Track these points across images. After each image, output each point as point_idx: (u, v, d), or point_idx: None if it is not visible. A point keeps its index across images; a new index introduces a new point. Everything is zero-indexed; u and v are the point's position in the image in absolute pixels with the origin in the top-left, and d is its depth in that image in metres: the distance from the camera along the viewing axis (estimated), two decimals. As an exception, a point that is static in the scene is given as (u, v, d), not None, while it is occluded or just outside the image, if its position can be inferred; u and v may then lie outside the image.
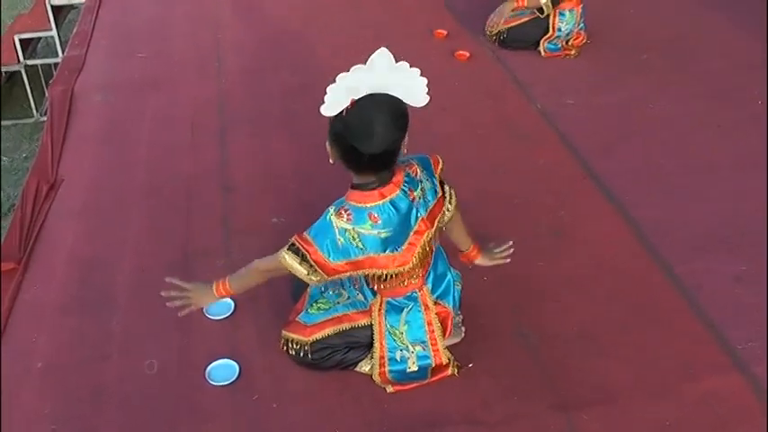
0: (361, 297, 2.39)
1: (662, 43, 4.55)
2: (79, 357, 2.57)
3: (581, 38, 4.45)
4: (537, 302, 2.71)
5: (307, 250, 2.14)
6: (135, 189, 3.39)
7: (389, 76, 2.02)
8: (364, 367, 2.41)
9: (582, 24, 4.42)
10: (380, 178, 2.12)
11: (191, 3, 5.36)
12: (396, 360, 2.36)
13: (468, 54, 4.35)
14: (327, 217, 2.13)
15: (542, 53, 4.38)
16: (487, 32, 4.51)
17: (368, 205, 2.12)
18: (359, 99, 2.00)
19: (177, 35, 4.88)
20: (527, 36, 4.39)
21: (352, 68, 1.98)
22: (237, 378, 2.44)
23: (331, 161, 2.14)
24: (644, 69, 4.26)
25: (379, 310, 2.34)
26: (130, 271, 2.92)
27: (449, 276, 2.40)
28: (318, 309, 2.40)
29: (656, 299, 2.72)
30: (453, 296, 2.41)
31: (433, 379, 2.39)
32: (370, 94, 2.01)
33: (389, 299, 2.32)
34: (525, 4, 4.33)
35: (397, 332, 2.35)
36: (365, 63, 2.04)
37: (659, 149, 3.55)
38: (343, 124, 2.02)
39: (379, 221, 2.12)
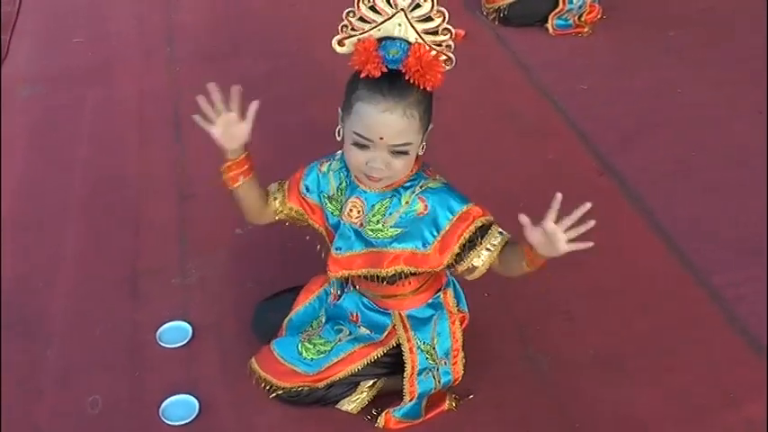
0: (364, 330, 2.39)
1: (692, 17, 4.62)
2: (5, 392, 2.55)
3: (595, 12, 4.50)
4: (548, 321, 2.73)
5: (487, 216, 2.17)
6: (73, 197, 3.39)
7: None
8: (347, 405, 2.42)
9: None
10: None
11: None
12: (423, 380, 2.36)
13: (463, 33, 4.35)
14: (436, 186, 2.16)
15: (551, 31, 4.44)
16: (485, 8, 4.56)
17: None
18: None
19: (120, 15, 4.89)
20: (532, 11, 4.45)
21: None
22: (197, 416, 2.45)
23: (423, 151, 2.13)
24: (671, 48, 4.32)
25: (404, 326, 2.35)
26: (69, 292, 2.92)
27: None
28: (318, 352, 2.36)
29: (690, 314, 2.75)
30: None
31: (428, 416, 2.40)
32: None
33: (412, 311, 2.34)
34: None
35: (429, 348, 2.36)
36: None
37: (689, 141, 3.59)
38: None
39: None
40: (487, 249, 2.12)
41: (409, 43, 1.96)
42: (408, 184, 2.13)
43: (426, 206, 2.10)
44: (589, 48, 4.35)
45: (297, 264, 2.90)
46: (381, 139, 1.98)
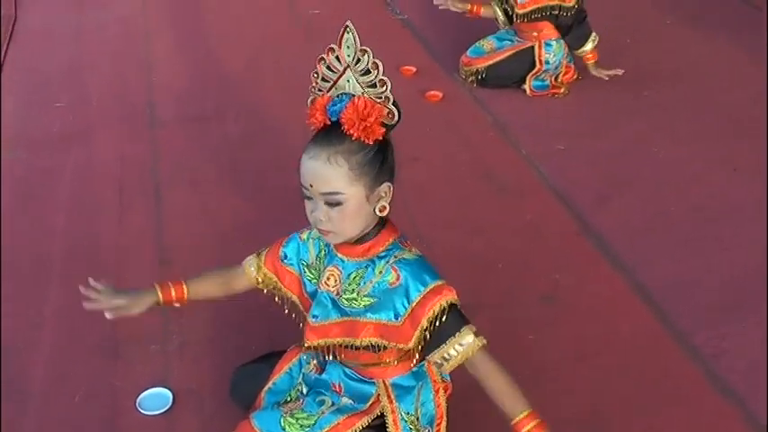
0: (347, 400, 2.35)
1: (665, 76, 4.68)
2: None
3: (571, 73, 4.56)
4: (529, 384, 2.69)
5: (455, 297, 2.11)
6: (53, 262, 3.37)
7: None
8: None
9: (570, 57, 4.53)
10: None
11: (116, 41, 5.41)
12: None
13: (441, 95, 4.43)
14: (410, 259, 2.11)
15: (528, 92, 4.48)
16: (463, 70, 4.61)
17: (401, 232, 2.18)
18: None
19: (102, 79, 4.91)
20: (509, 73, 4.50)
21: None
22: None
23: (386, 210, 2.06)
24: (646, 107, 4.38)
25: (389, 396, 2.30)
26: (48, 357, 2.89)
27: None
28: (302, 426, 2.31)
29: (672, 372, 2.74)
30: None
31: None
32: None
33: (396, 379, 2.31)
34: (481, 13, 4.56)
35: (413, 419, 2.32)
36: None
37: (666, 198, 3.62)
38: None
39: None
40: (460, 345, 2.09)
41: (351, 95, 1.99)
42: (384, 253, 2.11)
43: (399, 276, 2.07)
44: (566, 108, 4.40)
45: (278, 328, 2.88)
46: (311, 186, 1.99)
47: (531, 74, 4.46)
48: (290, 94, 4.52)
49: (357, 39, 2.01)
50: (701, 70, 4.74)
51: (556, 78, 4.50)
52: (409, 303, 2.07)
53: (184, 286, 2.34)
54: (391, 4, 5.88)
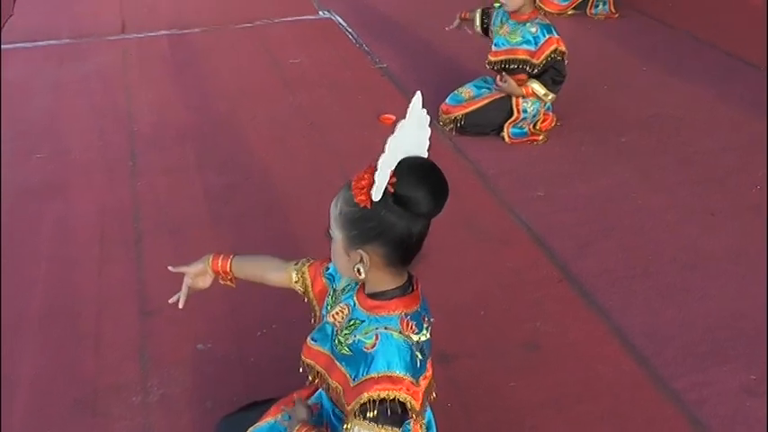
0: None
1: (642, 123, 4.75)
2: None
3: (549, 120, 4.61)
4: None
5: (407, 395, 2.03)
6: (31, 314, 3.36)
7: (421, 130, 2.01)
8: None
9: (548, 105, 4.57)
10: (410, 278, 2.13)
11: (97, 93, 5.43)
12: None
13: (393, 118, 4.46)
14: (394, 338, 2.05)
15: (506, 139, 4.53)
16: (442, 118, 4.66)
17: (417, 309, 2.11)
18: (398, 168, 1.93)
19: (82, 130, 4.92)
20: (488, 121, 4.55)
21: (398, 126, 1.92)
22: None
23: (362, 275, 2.03)
24: (623, 154, 4.42)
25: None
26: (26, 413, 2.87)
27: None
28: None
29: (654, 419, 2.75)
30: None
31: None
32: (405, 158, 1.95)
33: None
34: (467, 16, 4.75)
35: None
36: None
37: (645, 245, 3.65)
38: (389, 206, 1.93)
39: (426, 321, 2.14)
40: None
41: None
42: (381, 318, 2.06)
43: (375, 346, 2.03)
44: (544, 155, 4.44)
45: (259, 379, 2.89)
46: None
47: (508, 122, 4.50)
48: (270, 143, 4.60)
49: (415, 108, 1.97)
50: (676, 117, 4.81)
51: (534, 126, 4.54)
52: (365, 374, 2.03)
53: (230, 260, 2.50)
54: (371, 53, 5.94)
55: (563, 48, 4.37)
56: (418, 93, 1.97)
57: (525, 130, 4.54)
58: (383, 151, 1.87)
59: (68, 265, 3.66)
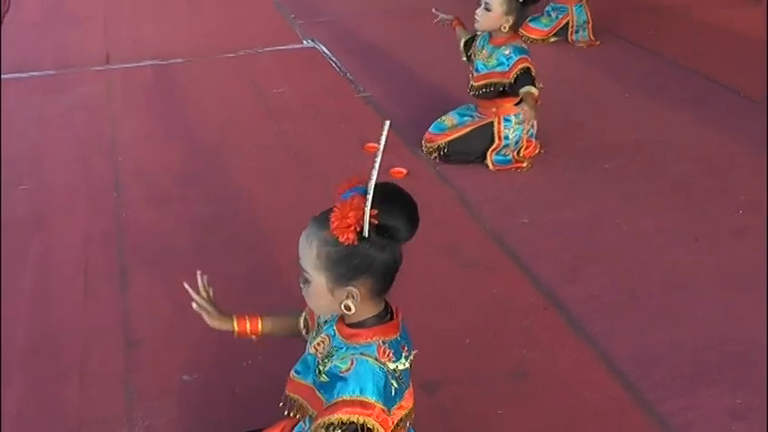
0: None
1: (626, 149, 4.78)
2: None
3: (533, 147, 4.62)
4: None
5: (376, 422, 2.01)
6: (15, 348, 3.33)
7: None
8: None
9: (531, 131, 4.58)
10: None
11: (81, 124, 5.43)
12: None
13: (405, 171, 4.47)
14: (369, 364, 2.04)
15: (490, 167, 4.54)
16: (426, 146, 4.68)
17: (396, 337, 2.10)
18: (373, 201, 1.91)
19: (67, 162, 4.92)
20: (471, 148, 4.56)
21: (377, 158, 1.90)
22: None
23: (352, 310, 2.02)
24: (607, 180, 4.45)
25: None
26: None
27: None
28: None
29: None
30: None
31: None
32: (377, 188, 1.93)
33: None
34: (456, 29, 4.83)
35: None
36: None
37: (630, 269, 3.67)
38: (373, 238, 1.92)
39: (406, 350, 2.13)
40: None
41: (365, 192, 1.90)
42: (358, 346, 2.06)
43: (349, 370, 2.02)
44: (529, 182, 4.46)
45: (245, 410, 2.88)
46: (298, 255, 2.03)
47: (491, 149, 4.52)
48: (255, 174, 4.60)
49: (383, 138, 1.94)
50: (658, 142, 4.85)
51: (518, 153, 4.56)
52: (337, 397, 2.03)
53: (259, 320, 2.43)
54: (354, 81, 5.97)
55: (532, 67, 4.39)
56: (387, 122, 1.97)
57: (509, 157, 4.55)
58: (368, 188, 1.87)
59: (52, 297, 3.65)
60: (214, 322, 2.42)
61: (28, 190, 4.59)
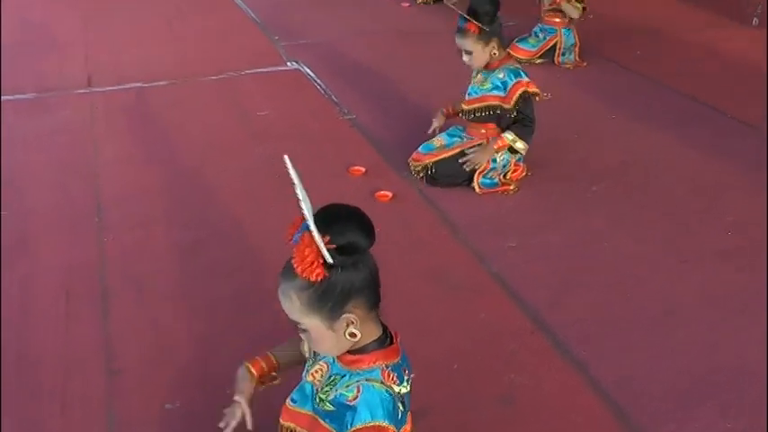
0: None
1: (612, 171, 4.81)
2: None
3: (520, 170, 4.65)
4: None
5: None
6: (-5, 377, 3.32)
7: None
8: None
9: (520, 156, 4.61)
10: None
11: (64, 147, 5.41)
12: None
13: (390, 194, 4.49)
14: (376, 389, 2.08)
15: (477, 190, 4.55)
16: (413, 166, 4.69)
17: (398, 360, 2.15)
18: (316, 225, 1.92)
19: (49, 186, 4.90)
20: (458, 170, 4.57)
21: (299, 190, 1.92)
22: None
23: (358, 335, 2.06)
24: (595, 202, 4.48)
25: None
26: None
27: None
28: None
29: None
30: None
31: None
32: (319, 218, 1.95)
33: None
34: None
35: None
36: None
37: (618, 293, 3.69)
38: (339, 261, 1.95)
39: (407, 373, 2.17)
40: None
41: (308, 227, 1.93)
42: (361, 371, 2.10)
43: (357, 398, 2.06)
44: (516, 205, 4.48)
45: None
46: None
47: (478, 172, 4.53)
48: (239, 197, 4.60)
49: (293, 172, 1.94)
50: (645, 164, 4.90)
51: (504, 176, 4.59)
52: (350, 427, 2.06)
53: (271, 356, 2.46)
54: (339, 103, 5.99)
55: (533, 89, 4.47)
56: (285, 156, 1.97)
57: (496, 180, 4.57)
58: (306, 221, 1.90)
59: (34, 323, 3.63)
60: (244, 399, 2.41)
61: (8, 215, 4.57)
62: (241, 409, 2.38)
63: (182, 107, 6.05)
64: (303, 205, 1.91)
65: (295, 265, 1.93)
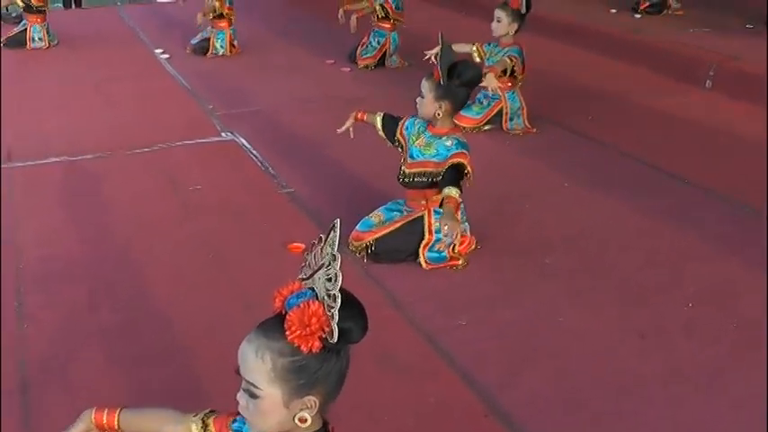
0: None
1: (566, 242, 4.87)
2: None
3: (468, 242, 4.67)
4: None
5: None
6: None
7: None
8: None
9: (465, 224, 4.63)
10: None
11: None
12: None
13: (303, 246, 4.47)
14: None
15: (424, 265, 4.56)
16: (353, 246, 4.68)
17: None
18: None
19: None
20: (401, 245, 4.59)
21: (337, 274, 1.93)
22: None
23: (308, 422, 2.05)
24: (548, 275, 4.52)
25: None
26: None
27: None
28: None
29: None
30: None
31: None
32: None
33: None
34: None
35: None
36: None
37: (574, 370, 3.72)
38: (330, 346, 1.97)
39: None
40: None
41: (315, 294, 1.95)
42: None
43: None
44: (465, 280, 4.50)
45: None
46: (239, 367, 2.00)
47: (423, 245, 4.55)
48: (169, 278, 4.57)
49: (337, 241, 1.98)
50: (600, 234, 4.98)
51: (453, 249, 4.59)
52: None
53: (117, 415, 2.40)
54: (277, 176, 6.00)
55: (469, 168, 4.46)
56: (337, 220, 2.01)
57: (444, 254, 4.58)
58: (333, 292, 1.89)
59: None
60: None
61: None
62: None
63: (110, 182, 6.02)
64: (337, 278, 1.91)
65: (290, 329, 1.91)
